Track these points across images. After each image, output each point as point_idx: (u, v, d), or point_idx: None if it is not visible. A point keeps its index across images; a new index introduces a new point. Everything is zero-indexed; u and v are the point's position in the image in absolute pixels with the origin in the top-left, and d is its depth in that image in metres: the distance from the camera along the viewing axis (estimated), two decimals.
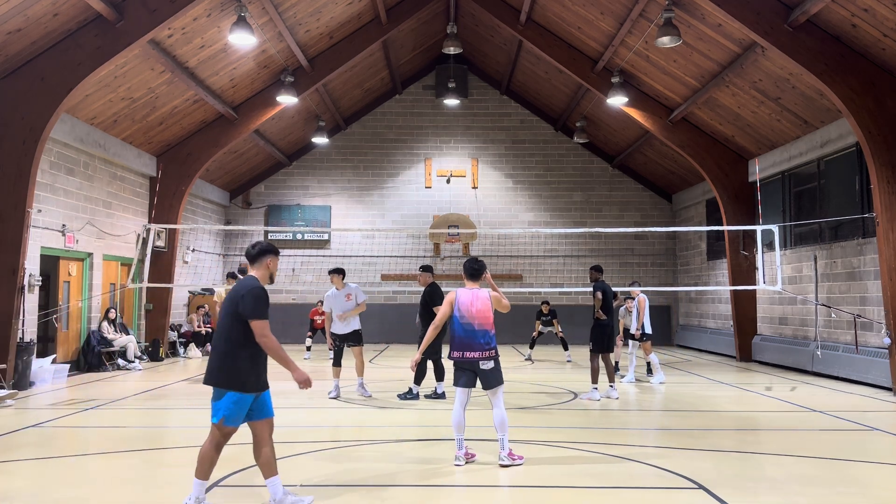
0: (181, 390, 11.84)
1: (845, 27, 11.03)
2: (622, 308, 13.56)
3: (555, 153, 22.77)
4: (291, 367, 5.05)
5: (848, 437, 8.19)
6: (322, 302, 13.26)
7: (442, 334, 10.62)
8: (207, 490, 5.68)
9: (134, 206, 16.52)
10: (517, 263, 22.00)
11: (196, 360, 16.64)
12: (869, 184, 11.96)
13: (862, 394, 11.40)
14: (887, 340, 11.15)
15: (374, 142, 22.74)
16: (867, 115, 11.23)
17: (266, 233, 21.88)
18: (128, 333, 15.22)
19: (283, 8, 14.23)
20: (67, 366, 13.38)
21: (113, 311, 14.95)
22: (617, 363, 13.70)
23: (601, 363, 10.80)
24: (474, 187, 22.59)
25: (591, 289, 11.07)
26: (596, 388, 10.67)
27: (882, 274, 11.24)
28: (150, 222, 15.83)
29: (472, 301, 6.65)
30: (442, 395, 10.41)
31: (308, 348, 17.35)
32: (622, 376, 12.93)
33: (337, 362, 10.71)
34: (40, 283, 12.82)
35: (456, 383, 6.66)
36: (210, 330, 18.21)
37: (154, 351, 16.29)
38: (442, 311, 6.75)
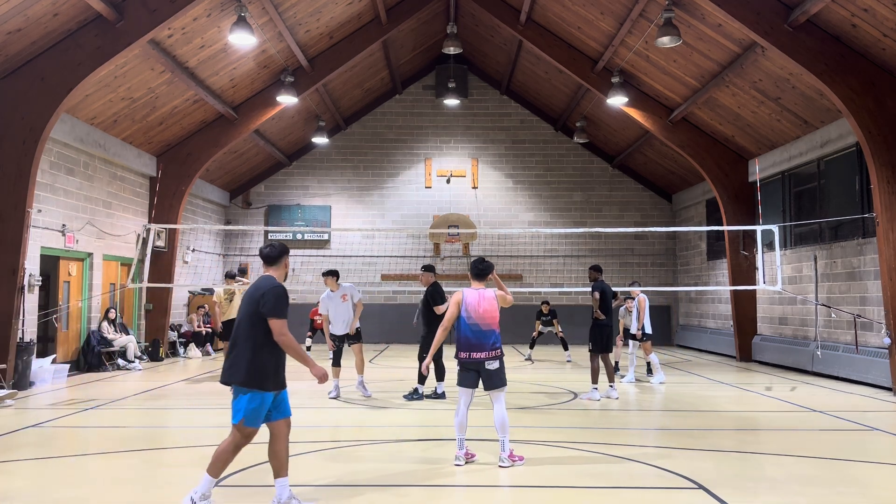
0: (181, 390, 11.84)
1: (845, 27, 11.03)
2: (622, 308, 13.56)
3: (555, 153, 22.77)
4: (310, 363, 5.11)
5: (848, 437, 8.19)
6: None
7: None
8: None
9: (134, 206, 16.52)
10: (517, 263, 22.00)
11: (196, 361, 16.64)
12: (869, 184, 11.96)
13: (862, 394, 11.40)
14: (887, 340, 11.15)
15: (374, 142, 22.74)
16: (867, 115, 11.23)
17: (266, 233, 21.89)
18: (128, 333, 15.22)
19: (283, 8, 14.23)
20: (67, 366, 13.38)
21: (113, 311, 14.95)
22: (617, 363, 13.70)
23: (601, 363, 10.81)
24: (474, 187, 22.59)
25: (590, 289, 11.06)
26: (596, 389, 10.67)
27: (882, 274, 11.24)
28: (150, 222, 15.82)
29: (478, 301, 6.65)
30: (442, 395, 10.40)
31: (308, 348, 17.35)
32: (622, 376, 12.93)
33: (336, 362, 10.71)
34: (40, 283, 12.82)
35: (460, 384, 6.67)
36: (210, 330, 18.21)
37: (154, 351, 16.29)
38: (449, 312, 6.74)
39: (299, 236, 21.86)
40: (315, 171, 22.67)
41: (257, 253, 5.45)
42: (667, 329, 22.30)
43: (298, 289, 21.01)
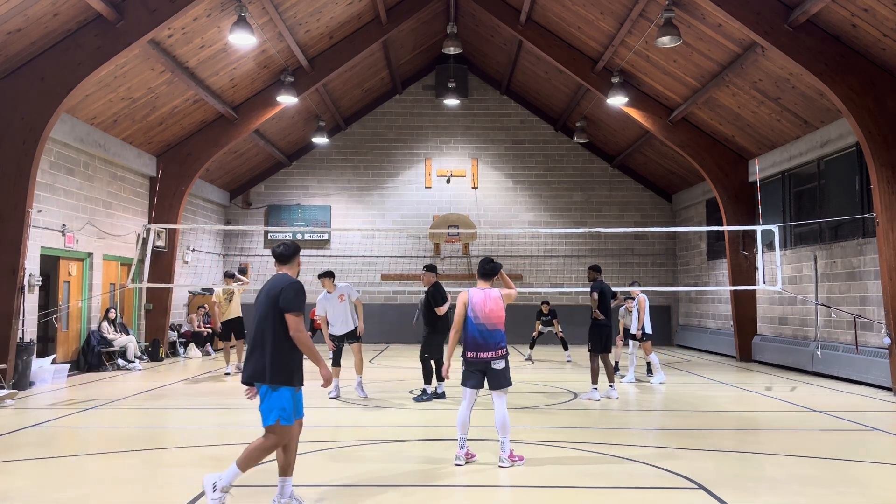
0: (181, 390, 11.84)
1: (845, 27, 11.03)
2: (622, 308, 13.56)
3: (555, 153, 22.77)
4: (321, 363, 5.14)
5: (848, 437, 8.19)
6: None
7: (447, 334, 10.61)
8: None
9: (134, 206, 16.52)
10: (517, 263, 21.99)
11: (196, 361, 16.64)
12: (869, 184, 11.96)
13: (862, 394, 11.40)
14: (887, 340, 11.15)
15: (374, 142, 22.74)
16: (867, 115, 11.23)
17: (266, 233, 21.90)
18: (128, 333, 15.22)
19: (283, 8, 14.23)
20: (67, 366, 13.38)
21: (113, 311, 14.95)
22: (617, 363, 13.70)
23: (600, 363, 10.80)
24: (474, 187, 22.59)
25: (589, 289, 11.05)
26: (596, 389, 10.67)
27: (882, 274, 11.24)
28: (150, 222, 15.82)
29: (484, 301, 6.65)
30: (442, 395, 10.40)
31: None
32: (622, 376, 12.93)
33: (336, 362, 10.71)
34: (40, 283, 12.82)
35: (465, 383, 6.67)
36: (210, 330, 18.20)
37: (154, 351, 16.29)
38: (457, 313, 6.72)
39: (299, 236, 21.85)
40: (315, 171, 22.67)
41: (270, 252, 5.50)
42: (667, 329, 22.30)
43: None
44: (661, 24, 12.62)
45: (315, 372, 5.38)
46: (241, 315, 14.13)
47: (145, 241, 15.05)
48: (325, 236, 22.03)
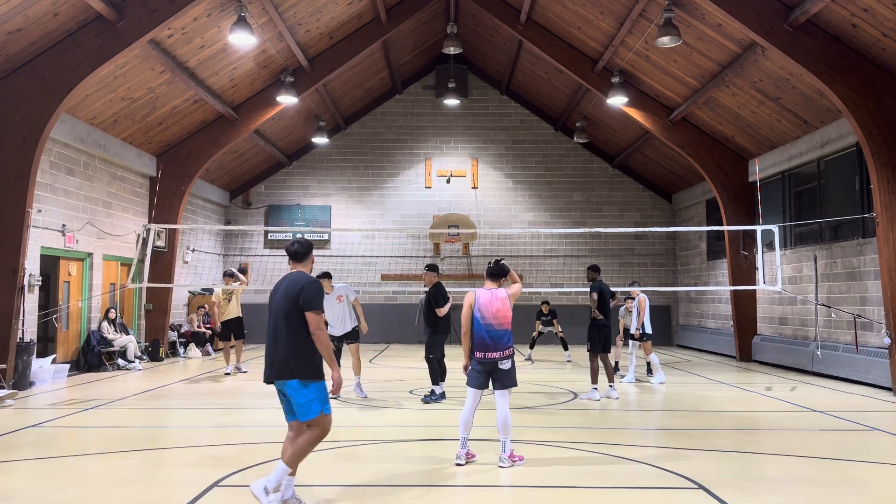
0: (181, 390, 11.84)
1: (845, 27, 11.03)
2: (622, 308, 13.56)
3: (555, 153, 22.77)
4: (335, 366, 5.19)
5: (848, 437, 8.19)
6: None
7: (448, 335, 10.59)
8: (208, 490, 5.70)
9: (134, 206, 16.52)
10: (517, 263, 21.98)
11: (196, 361, 16.63)
12: (869, 184, 11.96)
13: (862, 394, 11.40)
14: (887, 340, 11.15)
15: (374, 142, 22.74)
16: (867, 115, 11.23)
17: (266, 233, 21.90)
18: (128, 333, 15.22)
19: (283, 8, 14.23)
20: (67, 366, 13.38)
21: (113, 311, 14.95)
22: (617, 363, 13.70)
23: (600, 363, 10.80)
24: (474, 187, 22.59)
25: (589, 289, 11.04)
26: (596, 389, 10.67)
27: (882, 274, 11.24)
28: (150, 222, 15.82)
29: (490, 301, 6.66)
30: (442, 396, 10.37)
31: None
32: (622, 376, 12.93)
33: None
34: (40, 283, 12.82)
35: (471, 384, 6.67)
36: (210, 330, 18.19)
37: (154, 351, 16.29)
38: (464, 314, 6.73)
39: (299, 236, 21.85)
40: (315, 171, 22.67)
41: (284, 250, 5.53)
42: (667, 329, 22.30)
43: None
44: (661, 24, 12.62)
45: None
46: (240, 315, 14.14)
47: (145, 241, 15.05)
48: (325, 236, 22.02)
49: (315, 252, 5.76)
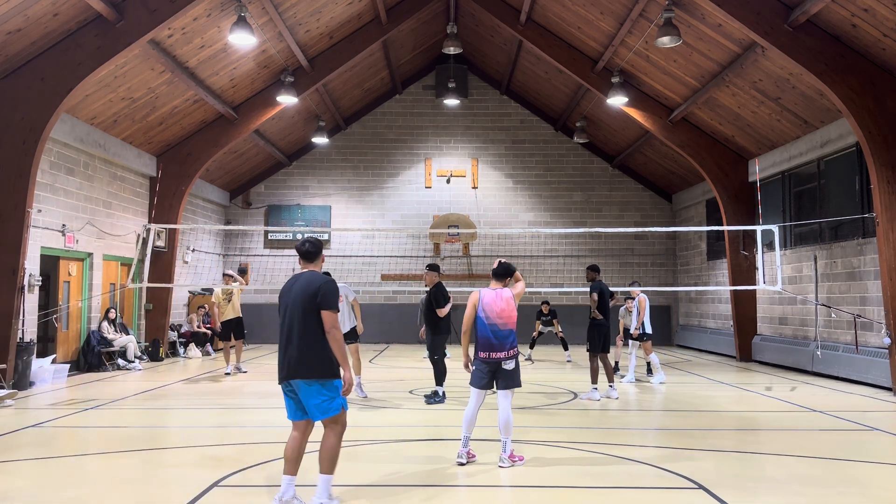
0: (181, 390, 11.83)
1: (845, 27, 11.03)
2: (622, 308, 13.56)
3: (555, 153, 22.77)
4: (346, 366, 5.19)
5: (848, 437, 8.19)
6: None
7: (449, 335, 10.57)
8: (208, 490, 5.70)
9: (134, 206, 16.52)
10: (517, 263, 21.94)
11: (196, 361, 16.63)
12: (869, 184, 11.97)
13: (862, 394, 11.40)
14: (887, 340, 11.15)
15: (374, 142, 22.74)
16: (867, 115, 11.23)
17: (266, 233, 21.90)
18: (128, 333, 15.22)
19: (283, 8, 14.23)
20: (67, 366, 13.38)
21: (113, 311, 14.95)
22: (617, 363, 13.71)
23: (600, 363, 10.80)
24: (474, 187, 22.59)
25: (589, 289, 11.04)
26: (596, 389, 10.67)
27: (882, 274, 11.24)
28: (150, 222, 15.82)
29: (494, 301, 6.66)
30: (444, 397, 10.34)
31: None
32: (622, 376, 12.93)
33: None
34: (40, 283, 12.82)
35: (475, 384, 6.67)
36: (210, 330, 18.19)
37: (154, 351, 16.29)
38: (467, 314, 6.74)
39: (299, 236, 21.84)
40: (315, 171, 22.67)
41: (295, 250, 5.56)
42: (667, 329, 22.30)
43: None
44: (661, 24, 12.62)
45: None
46: (240, 315, 14.14)
47: (145, 241, 15.05)
48: (325, 236, 22.02)
49: None
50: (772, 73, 13.15)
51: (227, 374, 13.67)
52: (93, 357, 14.19)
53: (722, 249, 18.58)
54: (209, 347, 18.17)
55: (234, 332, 13.95)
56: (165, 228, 16.60)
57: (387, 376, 13.39)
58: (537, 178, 22.68)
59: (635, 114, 17.08)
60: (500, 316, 6.61)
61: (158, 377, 13.46)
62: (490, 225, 22.03)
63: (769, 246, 14.44)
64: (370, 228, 21.50)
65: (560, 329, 16.44)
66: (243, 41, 12.75)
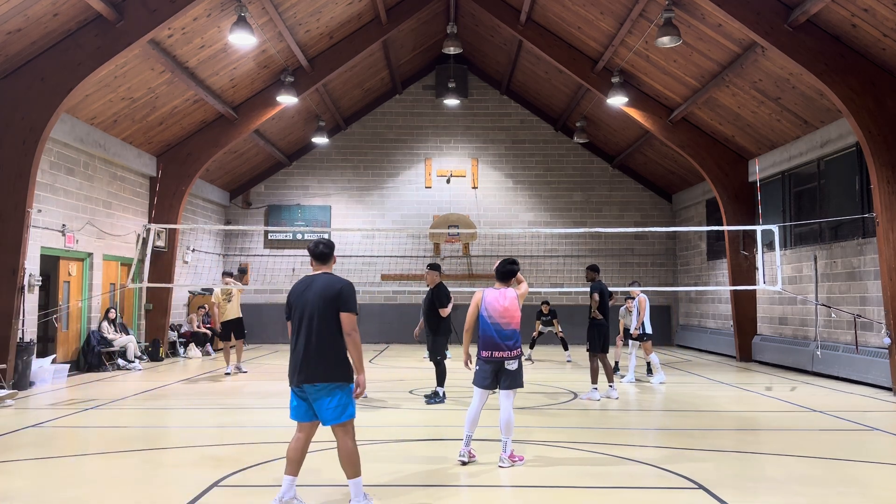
0: (181, 390, 11.83)
1: (845, 27, 11.03)
2: (622, 308, 13.55)
3: (555, 153, 22.77)
4: (362, 367, 5.17)
5: (848, 437, 8.19)
6: None
7: (449, 335, 10.55)
8: (208, 490, 5.70)
9: (134, 206, 16.52)
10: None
11: (196, 361, 16.63)
12: (869, 184, 11.97)
13: (862, 394, 11.40)
14: (887, 340, 11.15)
15: (374, 142, 22.74)
16: (867, 115, 11.23)
17: (266, 233, 21.89)
18: (128, 333, 15.23)
19: (283, 8, 14.23)
20: (67, 366, 13.38)
21: (113, 311, 14.95)
22: (617, 363, 13.71)
23: (600, 363, 10.80)
24: (474, 187, 22.59)
25: (589, 289, 11.03)
26: (596, 389, 10.67)
27: (882, 274, 11.24)
28: (150, 222, 15.82)
29: (498, 299, 6.66)
30: (444, 397, 10.33)
31: None
32: (622, 376, 12.93)
33: None
34: (40, 283, 12.82)
35: (478, 383, 6.67)
36: (210, 330, 18.19)
37: (154, 351, 16.29)
38: (469, 313, 6.74)
39: (299, 236, 21.86)
40: (315, 171, 22.67)
41: (307, 251, 5.56)
42: (667, 329, 22.30)
43: None
44: (661, 24, 12.62)
45: None
46: (240, 315, 14.15)
47: (145, 241, 15.05)
48: (325, 236, 22.00)
49: None
50: (772, 73, 13.15)
51: (228, 374, 13.67)
52: (93, 357, 14.19)
53: (722, 249, 18.58)
54: (209, 347, 18.17)
55: (234, 332, 13.95)
56: (165, 228, 16.60)
57: (387, 376, 13.38)
58: (537, 178, 22.68)
59: (635, 114, 17.08)
60: (503, 315, 6.61)
61: (158, 377, 13.46)
62: (490, 225, 22.03)
63: (769, 246, 14.45)
64: (370, 228, 21.50)
65: (560, 329, 16.44)
66: (243, 41, 12.75)
